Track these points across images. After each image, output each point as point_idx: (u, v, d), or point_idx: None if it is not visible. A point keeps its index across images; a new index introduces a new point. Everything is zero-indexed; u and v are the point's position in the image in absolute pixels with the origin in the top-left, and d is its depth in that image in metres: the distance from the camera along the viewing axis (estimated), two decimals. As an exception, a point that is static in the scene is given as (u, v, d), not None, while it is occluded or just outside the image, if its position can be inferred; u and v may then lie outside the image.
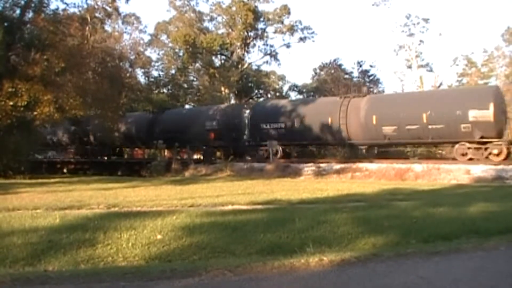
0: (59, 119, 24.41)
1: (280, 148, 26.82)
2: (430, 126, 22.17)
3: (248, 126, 28.88)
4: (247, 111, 29.68)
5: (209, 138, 29.69)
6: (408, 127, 22.75)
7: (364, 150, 26.96)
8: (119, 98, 29.57)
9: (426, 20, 46.58)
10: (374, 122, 23.76)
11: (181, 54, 46.47)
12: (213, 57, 46.79)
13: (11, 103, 20.80)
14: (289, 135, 26.64)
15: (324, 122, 25.51)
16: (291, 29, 46.92)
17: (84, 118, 30.08)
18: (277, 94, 50.44)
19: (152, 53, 48.40)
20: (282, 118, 27.15)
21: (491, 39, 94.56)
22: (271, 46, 48.62)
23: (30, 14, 23.74)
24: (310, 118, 26.10)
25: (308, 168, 23.79)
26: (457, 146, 21.87)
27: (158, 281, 4.44)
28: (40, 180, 21.63)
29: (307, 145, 28.25)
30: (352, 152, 25.94)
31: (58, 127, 34.87)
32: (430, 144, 24.46)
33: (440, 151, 28.06)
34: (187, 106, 46.90)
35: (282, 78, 53.41)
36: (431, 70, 47.98)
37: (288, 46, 48.35)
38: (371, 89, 47.30)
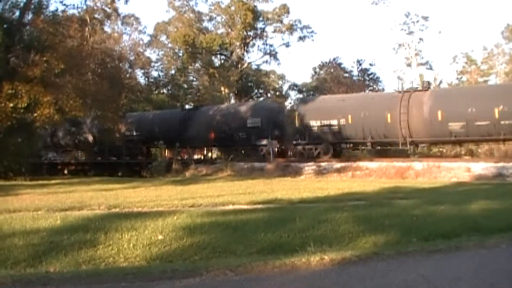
0: (59, 120, 24.38)
1: (331, 147, 25.52)
2: (502, 122, 20.49)
3: (295, 123, 26.94)
4: (294, 107, 28.04)
5: (209, 138, 29.53)
6: (478, 123, 20.95)
7: (425, 149, 25.55)
8: (119, 99, 29.55)
9: (425, 18, 46.47)
10: (440, 118, 21.85)
11: (180, 54, 46.50)
12: (213, 57, 46.78)
13: (11, 104, 20.78)
14: (342, 133, 24.96)
15: (382, 119, 23.52)
16: (291, 29, 46.89)
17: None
18: (277, 93, 50.43)
19: (152, 54, 48.49)
20: (334, 114, 24.98)
21: (490, 36, 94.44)
22: (271, 45, 48.65)
23: (29, 16, 23.70)
24: (366, 114, 24.03)
25: (309, 167, 23.79)
26: None
27: (159, 281, 4.44)
28: (40, 182, 21.64)
29: (361, 143, 25.96)
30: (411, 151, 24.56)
31: (76, 128, 33.64)
32: (501, 141, 22.31)
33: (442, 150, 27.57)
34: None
35: (281, 77, 53.38)
36: (430, 68, 47.91)
37: (287, 45, 48.38)
38: (371, 88, 47.36)
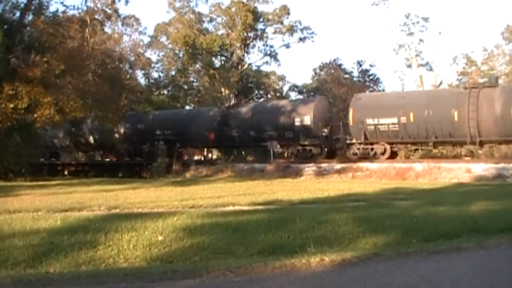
0: (60, 121, 24.41)
1: (389, 147, 23.80)
2: None
3: (349, 121, 25.01)
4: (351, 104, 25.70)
5: (209, 138, 29.40)
6: None
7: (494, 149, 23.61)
8: (119, 100, 29.53)
9: (425, 19, 46.48)
10: None
11: (181, 55, 46.51)
12: (213, 58, 46.78)
13: (11, 105, 20.82)
14: (403, 132, 23.18)
15: (448, 117, 21.91)
16: (291, 30, 46.88)
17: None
18: (277, 94, 50.42)
19: (152, 55, 48.40)
20: (394, 112, 23.18)
21: (491, 37, 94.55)
22: (271, 46, 48.62)
23: (30, 17, 23.75)
24: (430, 112, 22.37)
25: (309, 168, 23.78)
26: None
27: (159, 282, 4.44)
28: (41, 182, 21.64)
29: (422, 143, 23.93)
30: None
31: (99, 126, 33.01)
32: None
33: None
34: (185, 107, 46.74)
35: (282, 78, 53.39)
36: (431, 69, 47.91)
37: (287, 46, 48.35)
38: (371, 89, 47.33)
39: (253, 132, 27.75)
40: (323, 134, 25.50)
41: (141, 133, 31.92)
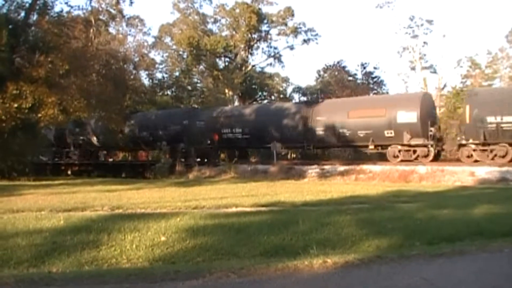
0: (63, 121, 24.47)
1: (511, 148, 20.82)
2: None
3: (465, 119, 22.17)
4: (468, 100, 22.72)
5: (213, 139, 29.24)
6: None
7: None
8: (123, 100, 29.59)
9: (429, 22, 46.31)
10: None
11: (185, 56, 46.58)
12: (217, 59, 46.83)
13: (15, 105, 20.87)
14: None
15: None
16: (295, 31, 46.91)
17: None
18: (281, 96, 50.42)
19: (156, 55, 48.54)
20: None
21: (495, 40, 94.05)
22: (275, 48, 48.67)
23: (34, 17, 23.83)
24: None
25: (312, 170, 23.72)
26: None
27: (162, 282, 4.45)
28: (44, 182, 21.69)
29: None
30: None
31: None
32: None
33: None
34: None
35: (285, 80, 53.27)
36: (435, 72, 47.69)
37: (291, 48, 48.35)
38: (375, 92, 47.29)
39: (344, 130, 24.89)
40: (430, 133, 22.70)
41: (200, 131, 29.09)
